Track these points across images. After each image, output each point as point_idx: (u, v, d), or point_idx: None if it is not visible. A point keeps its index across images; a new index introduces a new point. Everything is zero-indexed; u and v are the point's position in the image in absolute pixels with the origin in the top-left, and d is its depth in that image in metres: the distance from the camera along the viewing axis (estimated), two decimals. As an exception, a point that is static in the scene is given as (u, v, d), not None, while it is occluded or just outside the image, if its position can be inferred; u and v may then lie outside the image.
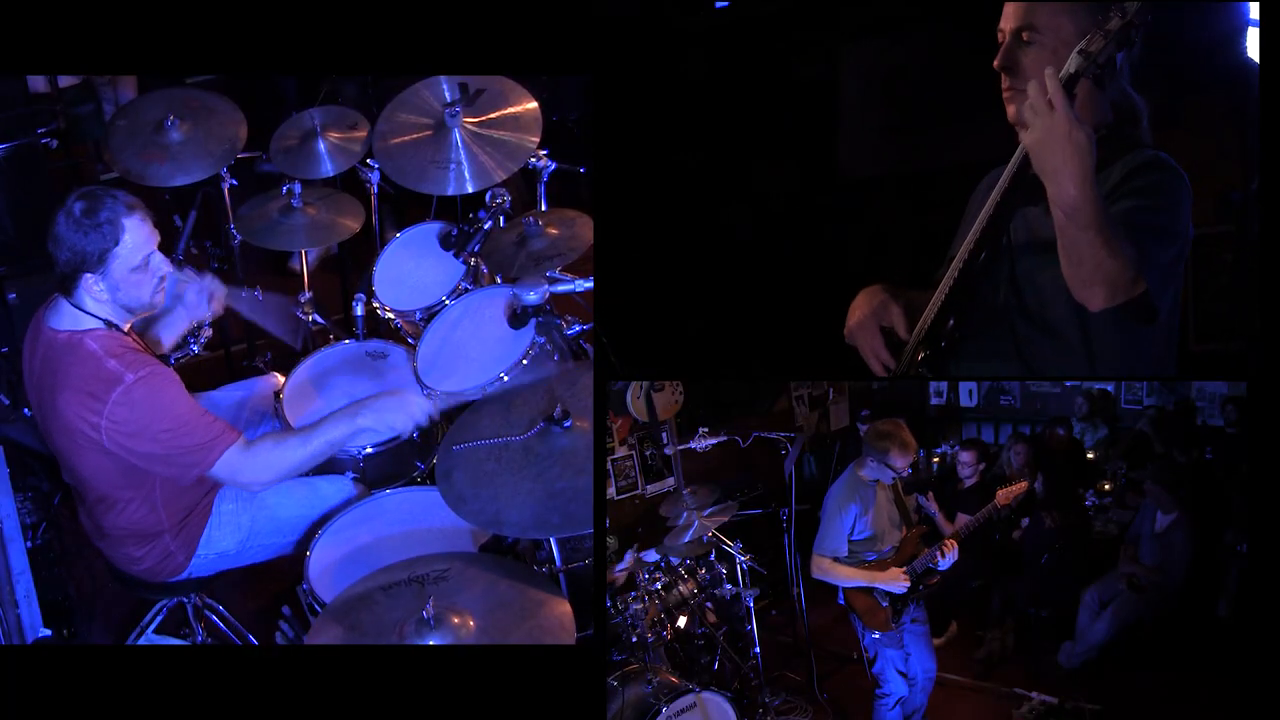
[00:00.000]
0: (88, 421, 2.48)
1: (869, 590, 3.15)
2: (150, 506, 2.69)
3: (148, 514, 2.70)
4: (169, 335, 3.03)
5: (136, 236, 2.53)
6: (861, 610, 3.18)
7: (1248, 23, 2.63)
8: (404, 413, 2.66)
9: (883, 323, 2.27)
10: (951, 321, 2.12)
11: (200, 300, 3.05)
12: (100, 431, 2.48)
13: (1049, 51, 1.98)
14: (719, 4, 3.16)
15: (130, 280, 2.55)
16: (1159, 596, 3.84)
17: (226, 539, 2.86)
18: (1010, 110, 2.05)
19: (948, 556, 3.14)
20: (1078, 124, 1.79)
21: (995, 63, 2.06)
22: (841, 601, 3.27)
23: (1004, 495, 3.40)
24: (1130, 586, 3.84)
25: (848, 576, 3.14)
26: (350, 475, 3.04)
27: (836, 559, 3.15)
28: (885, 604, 3.14)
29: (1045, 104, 1.81)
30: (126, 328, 2.64)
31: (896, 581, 3.10)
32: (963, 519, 3.67)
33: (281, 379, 3.34)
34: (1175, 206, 1.97)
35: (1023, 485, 3.46)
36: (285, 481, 2.80)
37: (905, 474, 3.25)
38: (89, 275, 2.51)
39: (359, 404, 2.68)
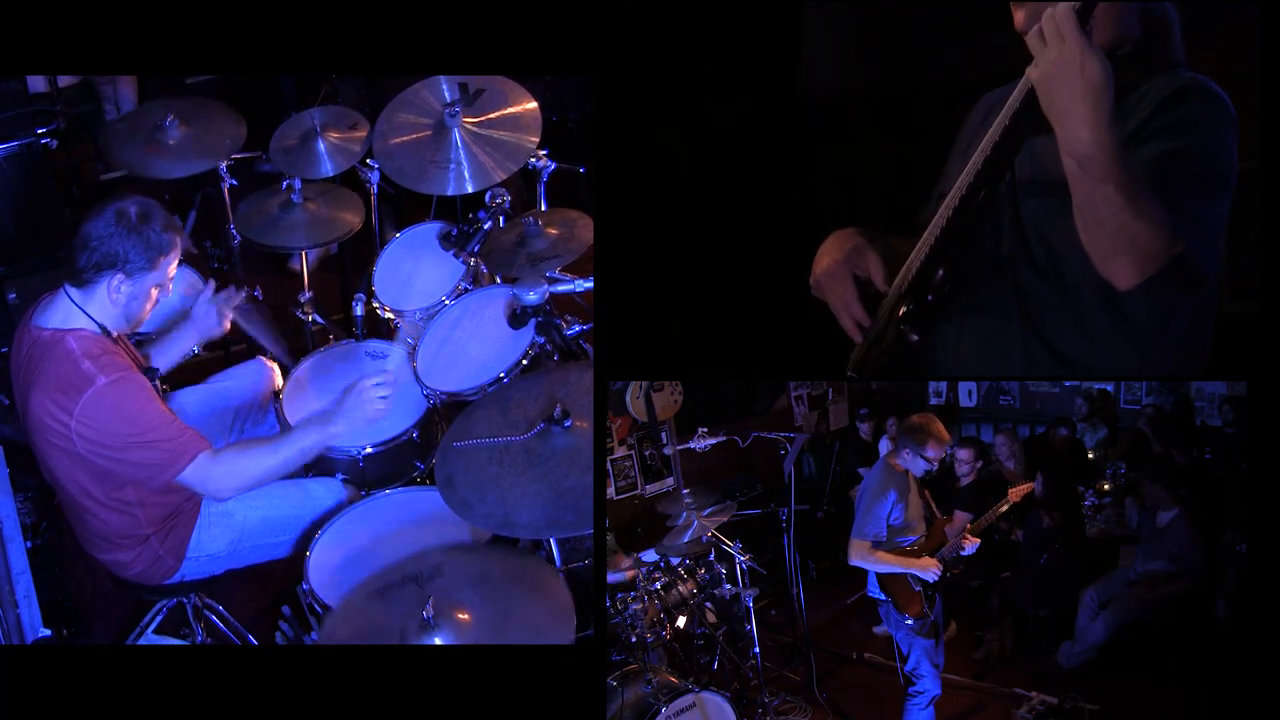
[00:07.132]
0: (58, 420, 2.46)
1: (904, 577, 3.19)
2: (127, 511, 2.66)
3: (126, 519, 2.67)
4: (172, 356, 3.04)
5: (174, 258, 2.61)
6: (899, 596, 3.20)
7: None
8: (366, 401, 2.64)
9: (856, 271, 1.98)
10: (940, 272, 1.84)
11: (209, 315, 3.08)
12: (70, 431, 2.46)
13: None
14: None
15: (147, 295, 2.60)
16: (1179, 588, 3.88)
17: (217, 541, 2.85)
18: (1018, 17, 1.79)
19: (970, 547, 3.24)
20: (1091, 54, 1.55)
21: None
22: (872, 593, 3.29)
23: (1015, 493, 3.49)
24: (1149, 583, 3.91)
25: (886, 562, 3.17)
26: (340, 477, 3.03)
27: (876, 544, 3.17)
28: (919, 589, 3.19)
29: (1055, 31, 1.57)
30: (115, 335, 2.63)
31: (931, 568, 3.16)
32: (961, 515, 3.69)
33: (279, 374, 3.34)
34: (1218, 145, 1.71)
35: (1030, 485, 3.59)
36: (274, 484, 2.78)
37: (935, 468, 3.31)
38: (119, 275, 2.52)
39: (328, 413, 2.67)
